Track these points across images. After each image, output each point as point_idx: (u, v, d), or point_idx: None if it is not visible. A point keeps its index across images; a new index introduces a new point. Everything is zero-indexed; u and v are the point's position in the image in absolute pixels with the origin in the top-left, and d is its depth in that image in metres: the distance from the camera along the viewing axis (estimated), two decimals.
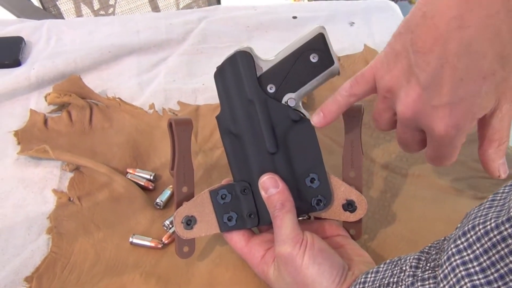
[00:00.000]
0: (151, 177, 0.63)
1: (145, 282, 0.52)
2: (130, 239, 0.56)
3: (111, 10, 1.66)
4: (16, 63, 0.80)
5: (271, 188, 0.48)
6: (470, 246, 0.35)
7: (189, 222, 0.49)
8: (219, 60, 0.51)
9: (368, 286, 0.43)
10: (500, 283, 0.33)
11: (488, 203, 0.37)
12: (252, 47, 0.50)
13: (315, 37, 0.49)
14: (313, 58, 0.49)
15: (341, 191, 0.51)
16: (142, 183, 0.62)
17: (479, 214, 0.36)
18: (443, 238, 0.42)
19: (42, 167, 0.65)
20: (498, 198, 0.37)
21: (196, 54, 0.84)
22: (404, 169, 0.65)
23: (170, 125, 0.52)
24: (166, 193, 0.61)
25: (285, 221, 0.47)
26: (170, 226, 0.57)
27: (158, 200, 0.60)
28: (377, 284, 0.42)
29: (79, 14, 1.55)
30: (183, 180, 0.51)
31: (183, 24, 0.90)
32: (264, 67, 0.49)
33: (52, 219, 0.58)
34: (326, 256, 0.46)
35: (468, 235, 0.36)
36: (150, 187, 0.62)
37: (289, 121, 0.50)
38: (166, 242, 0.56)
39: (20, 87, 0.75)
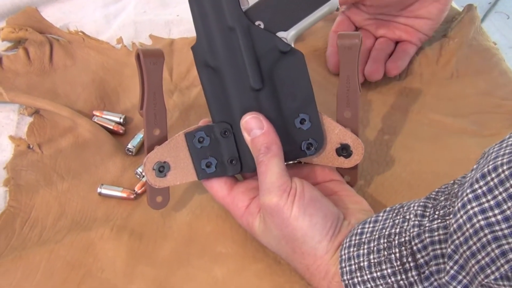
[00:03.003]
0: (121, 120, 0.56)
1: (116, 237, 0.47)
2: (98, 190, 0.50)
3: None
4: None
5: (255, 129, 0.42)
6: (490, 190, 0.30)
7: (162, 169, 0.44)
8: None
9: (365, 238, 0.38)
10: None
11: (511, 139, 0.32)
12: None
13: None
14: None
15: (335, 133, 0.45)
16: (111, 127, 0.56)
17: (501, 153, 0.31)
18: (452, 182, 0.36)
19: None
20: None
21: None
22: (403, 106, 0.59)
23: (137, 57, 0.45)
24: (139, 138, 0.54)
25: (270, 167, 0.41)
26: (143, 174, 0.51)
27: (129, 146, 0.54)
28: (376, 236, 0.37)
29: None
30: (154, 121, 0.45)
31: None
32: (251, 0, 0.43)
33: (9, 169, 0.52)
34: (318, 206, 0.41)
35: (488, 178, 0.30)
36: (120, 131, 0.56)
37: (277, 52, 0.43)
38: (139, 192, 0.51)
39: None
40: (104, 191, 0.50)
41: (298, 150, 0.45)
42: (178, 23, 0.69)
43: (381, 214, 0.39)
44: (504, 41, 2.01)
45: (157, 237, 0.47)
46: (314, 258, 0.40)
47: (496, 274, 0.29)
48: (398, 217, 0.37)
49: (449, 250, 0.32)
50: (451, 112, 0.58)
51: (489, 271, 0.29)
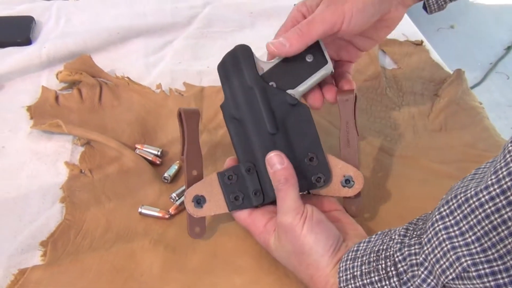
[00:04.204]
0: (159, 153, 0.66)
1: (153, 249, 0.56)
2: (139, 209, 0.59)
3: None
4: (27, 41, 0.83)
5: (277, 164, 0.52)
6: (451, 212, 0.39)
7: (199, 201, 0.53)
8: (223, 43, 0.54)
9: (360, 253, 0.47)
10: (476, 245, 0.37)
11: (470, 176, 0.41)
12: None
13: None
14: (308, 58, 0.55)
15: (339, 168, 0.54)
16: (150, 158, 0.66)
17: (461, 185, 0.40)
18: (430, 212, 0.46)
19: (55, 141, 0.68)
20: (480, 172, 0.40)
21: (201, 38, 0.87)
22: (397, 151, 0.68)
23: (179, 114, 0.56)
24: (173, 168, 0.64)
25: (288, 194, 0.51)
26: (177, 198, 0.60)
27: (166, 175, 0.63)
28: (368, 251, 0.46)
29: None
30: (192, 164, 0.55)
31: (188, 8, 0.93)
32: (265, 68, 0.55)
33: (65, 189, 0.62)
34: (323, 227, 0.50)
35: (450, 203, 0.40)
36: (158, 162, 0.66)
37: (287, 105, 0.54)
38: (173, 213, 0.60)
39: (32, 65, 0.78)
40: (144, 211, 0.60)
41: (309, 182, 0.54)
42: (208, 73, 0.80)
43: (374, 236, 0.48)
44: (503, 100, 2.13)
45: (188, 251, 0.56)
46: (317, 269, 0.49)
47: (453, 274, 0.38)
48: (386, 238, 0.46)
49: (420, 259, 0.41)
50: (439, 160, 0.68)
51: (448, 273, 0.38)
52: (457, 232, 0.38)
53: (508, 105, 2.06)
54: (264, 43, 0.54)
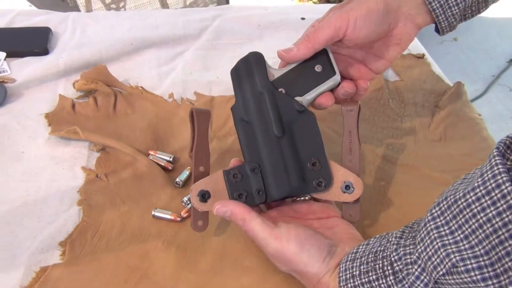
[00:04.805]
0: (171, 159, 0.70)
1: (166, 249, 0.59)
2: (153, 212, 0.63)
3: (121, 4, 1.72)
4: (45, 51, 0.87)
5: (226, 212, 0.54)
6: (442, 213, 0.42)
7: (204, 196, 0.56)
8: (233, 55, 0.57)
9: (359, 254, 0.50)
10: (464, 242, 0.40)
11: (460, 180, 0.44)
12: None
13: (320, 51, 0.57)
14: (317, 68, 0.58)
15: (340, 174, 0.57)
16: (163, 164, 0.69)
17: (451, 189, 0.43)
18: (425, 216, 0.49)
19: (72, 147, 0.71)
20: (469, 177, 0.43)
21: (211, 49, 0.90)
22: (398, 160, 0.71)
23: (191, 114, 0.59)
24: (185, 173, 0.67)
25: (253, 229, 0.53)
26: (188, 202, 0.64)
27: (177, 180, 0.67)
28: (367, 253, 0.49)
29: (89, 8, 1.61)
30: (200, 161, 0.58)
31: (199, 21, 0.96)
32: (276, 75, 0.58)
33: (82, 192, 0.65)
34: (313, 241, 0.52)
35: (441, 205, 0.42)
36: (170, 168, 0.69)
37: (295, 111, 0.57)
38: (184, 216, 0.63)
39: (49, 74, 0.82)
40: (157, 213, 0.63)
41: (311, 186, 0.57)
42: (218, 83, 0.83)
43: (372, 239, 0.51)
44: (505, 112, 2.16)
45: (198, 252, 0.59)
46: (317, 279, 0.51)
47: (443, 270, 0.41)
48: (384, 240, 0.49)
49: (414, 257, 0.44)
50: (438, 168, 0.70)
51: (439, 269, 0.41)
52: (447, 231, 0.41)
53: (511, 117, 2.09)
54: (272, 54, 0.57)
